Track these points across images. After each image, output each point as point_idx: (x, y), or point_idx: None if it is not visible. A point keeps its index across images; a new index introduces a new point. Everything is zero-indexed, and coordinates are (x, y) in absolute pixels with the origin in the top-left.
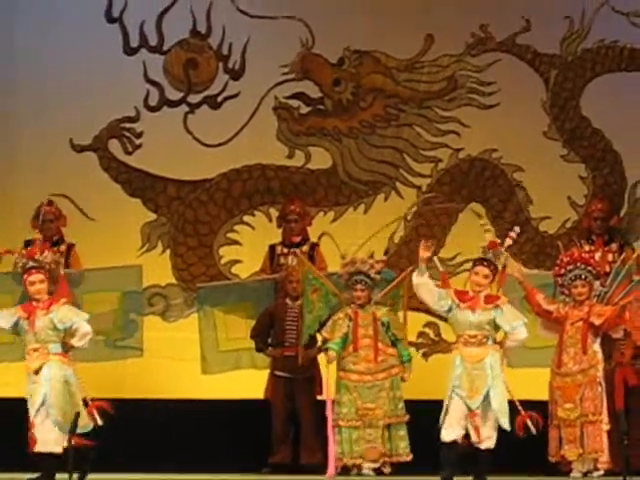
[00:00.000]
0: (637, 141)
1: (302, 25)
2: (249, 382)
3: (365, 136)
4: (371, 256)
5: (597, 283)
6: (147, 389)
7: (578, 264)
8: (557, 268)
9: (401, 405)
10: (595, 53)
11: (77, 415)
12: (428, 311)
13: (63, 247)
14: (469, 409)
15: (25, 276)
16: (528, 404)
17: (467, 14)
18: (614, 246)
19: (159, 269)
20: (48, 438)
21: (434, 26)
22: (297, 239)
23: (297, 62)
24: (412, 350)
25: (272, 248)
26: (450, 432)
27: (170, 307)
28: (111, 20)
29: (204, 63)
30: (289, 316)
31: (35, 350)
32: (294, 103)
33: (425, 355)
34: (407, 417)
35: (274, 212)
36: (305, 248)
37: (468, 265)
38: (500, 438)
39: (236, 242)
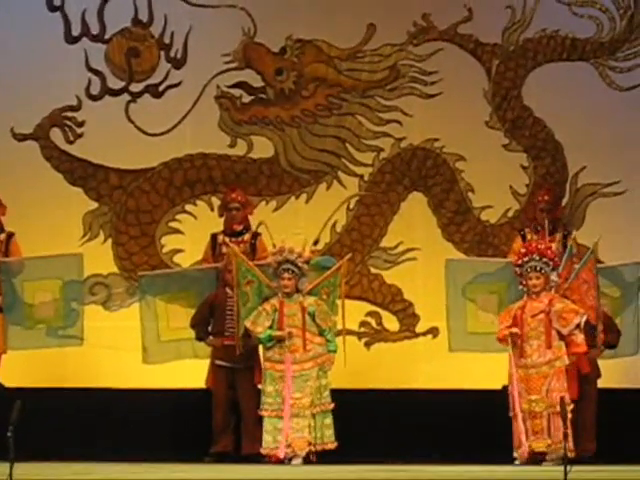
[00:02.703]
0: (578, 131)
1: (244, 14)
2: (191, 371)
3: (307, 125)
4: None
5: (554, 274)
6: (88, 378)
7: (534, 255)
8: (516, 258)
9: (326, 393)
10: (537, 43)
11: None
12: (369, 300)
13: (3, 236)
14: None
15: None
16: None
17: (409, 3)
18: (558, 236)
19: (101, 258)
20: None
21: (376, 15)
22: (239, 228)
23: (239, 51)
24: (354, 339)
25: (214, 237)
26: None
27: (112, 296)
28: (52, 8)
29: (146, 52)
30: (229, 305)
31: None
32: (236, 92)
33: (367, 344)
34: (332, 405)
35: (216, 201)
36: (247, 237)
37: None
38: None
39: (178, 231)
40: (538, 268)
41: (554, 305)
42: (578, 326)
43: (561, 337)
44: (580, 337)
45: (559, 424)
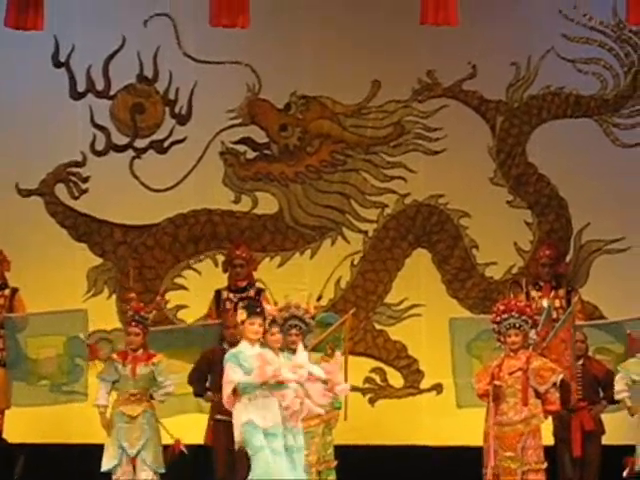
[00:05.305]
0: (583, 187)
1: (249, 70)
2: (190, 427)
3: (312, 181)
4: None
5: (532, 332)
6: (92, 434)
7: (513, 313)
8: (494, 315)
9: (330, 450)
10: (541, 99)
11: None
12: (374, 356)
13: (7, 292)
14: None
15: None
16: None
17: (413, 60)
18: (561, 292)
19: (105, 314)
20: None
21: (381, 72)
22: (243, 284)
23: (244, 107)
24: (359, 395)
25: (218, 293)
26: None
27: (115, 351)
28: (58, 64)
29: (151, 108)
30: None
31: None
32: (241, 148)
33: (371, 401)
34: (335, 462)
35: (220, 257)
36: (251, 293)
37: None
38: None
39: (182, 287)
40: (517, 325)
41: (532, 363)
42: (554, 385)
43: (537, 395)
44: (555, 396)
45: None
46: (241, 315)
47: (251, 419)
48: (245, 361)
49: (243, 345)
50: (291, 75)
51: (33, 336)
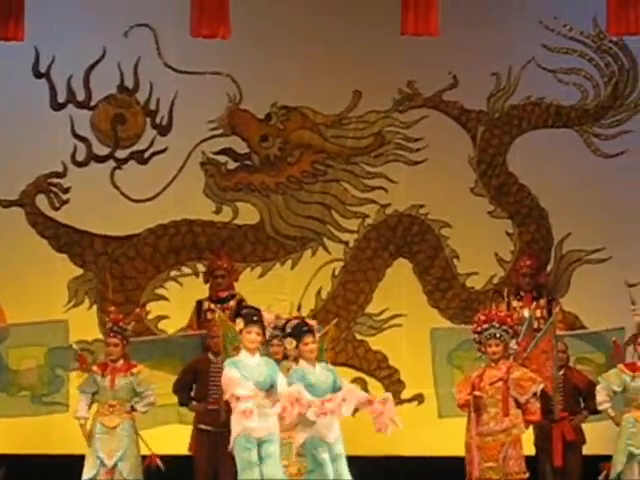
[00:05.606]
0: (563, 197)
1: (230, 81)
2: (175, 438)
3: (292, 192)
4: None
5: (513, 342)
6: (74, 444)
7: (494, 323)
8: (475, 325)
9: None
10: (522, 110)
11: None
12: (355, 366)
13: None
14: None
15: None
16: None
17: (394, 70)
18: (542, 302)
19: (86, 325)
20: None
21: (361, 82)
22: (224, 294)
23: (224, 118)
24: None
25: (199, 304)
26: None
27: (97, 363)
28: (38, 75)
29: (131, 118)
30: (212, 371)
31: None
32: (221, 158)
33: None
34: None
35: (201, 267)
36: (232, 304)
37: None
38: None
39: (163, 297)
40: (498, 335)
41: (512, 373)
42: (535, 394)
43: (518, 405)
44: (535, 406)
45: None
46: (239, 324)
47: (246, 429)
48: (244, 370)
49: (243, 354)
50: (272, 85)
51: (14, 347)
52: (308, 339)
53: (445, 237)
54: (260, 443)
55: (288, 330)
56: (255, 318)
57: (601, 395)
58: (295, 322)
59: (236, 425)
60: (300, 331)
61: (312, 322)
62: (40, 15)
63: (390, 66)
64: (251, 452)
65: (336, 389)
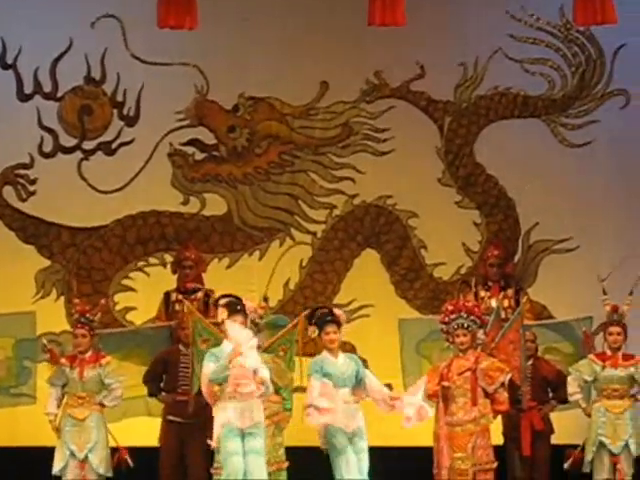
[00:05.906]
0: (531, 187)
1: (197, 71)
2: (144, 429)
3: (260, 182)
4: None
5: (481, 332)
6: (41, 437)
7: (461, 313)
8: (442, 315)
9: (281, 452)
10: (489, 100)
11: None
12: None
13: None
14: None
15: None
16: (409, 450)
17: (361, 61)
18: (510, 292)
19: (53, 316)
20: None
21: (328, 73)
22: (192, 285)
23: (192, 108)
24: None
25: (167, 295)
26: None
27: (64, 354)
28: (5, 66)
29: (98, 110)
30: (182, 362)
31: None
32: (189, 149)
33: None
34: (286, 463)
35: (169, 258)
36: (200, 295)
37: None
38: None
39: (131, 289)
40: (465, 325)
41: (480, 363)
42: (503, 384)
43: (486, 395)
44: (504, 395)
45: None
46: (222, 313)
47: (229, 420)
48: (223, 358)
49: (225, 343)
50: (239, 76)
51: None
52: (330, 329)
53: (412, 227)
54: (243, 435)
55: (313, 319)
56: (239, 307)
57: (572, 386)
58: (322, 311)
59: (218, 416)
60: (323, 320)
61: (339, 312)
62: (6, 6)
63: (357, 56)
64: (233, 441)
65: (358, 380)
